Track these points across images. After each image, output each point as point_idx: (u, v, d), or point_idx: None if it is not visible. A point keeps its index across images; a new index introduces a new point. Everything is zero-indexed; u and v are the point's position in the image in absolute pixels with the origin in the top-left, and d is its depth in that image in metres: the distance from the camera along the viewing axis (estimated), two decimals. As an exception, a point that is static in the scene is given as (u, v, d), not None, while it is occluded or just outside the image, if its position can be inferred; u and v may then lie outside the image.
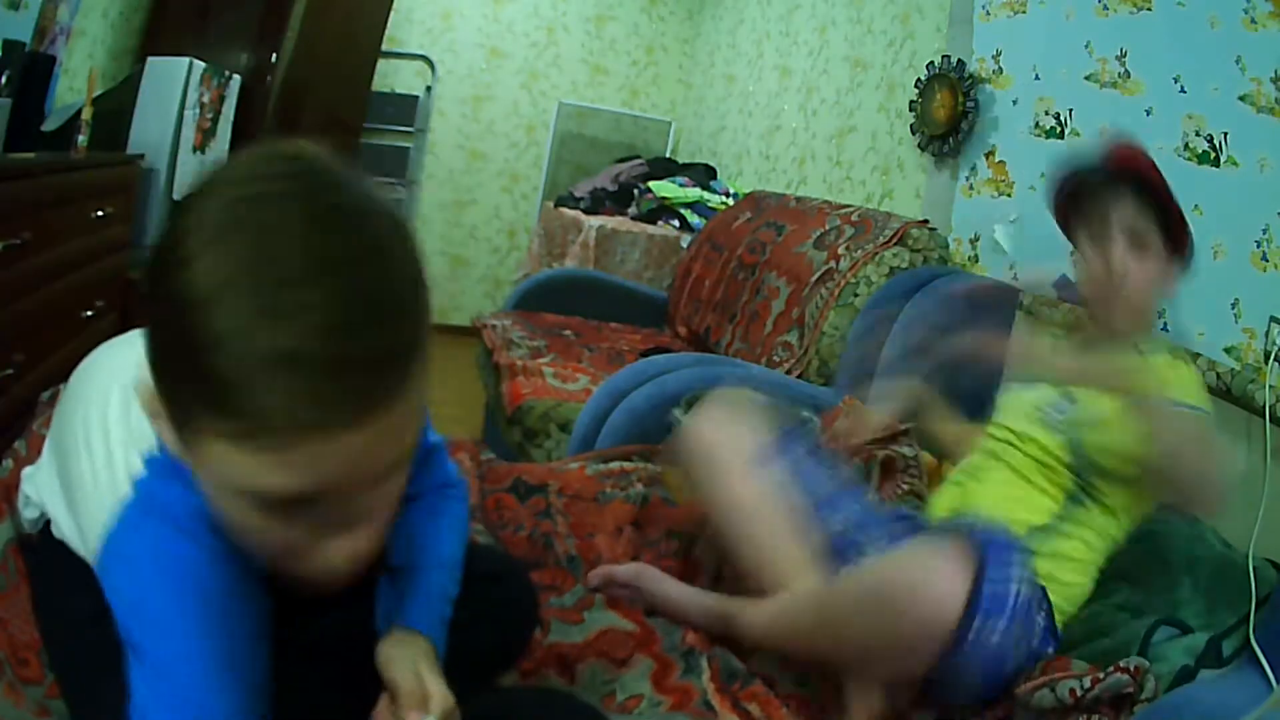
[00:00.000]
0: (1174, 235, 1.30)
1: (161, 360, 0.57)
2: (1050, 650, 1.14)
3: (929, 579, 0.98)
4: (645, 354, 2.44)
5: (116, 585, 0.68)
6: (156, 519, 0.69)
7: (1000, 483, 1.34)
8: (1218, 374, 1.52)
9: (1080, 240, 1.36)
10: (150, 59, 2.19)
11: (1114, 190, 1.30)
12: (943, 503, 1.40)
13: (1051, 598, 1.19)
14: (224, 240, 0.53)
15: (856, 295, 2.18)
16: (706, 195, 3.70)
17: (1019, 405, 1.42)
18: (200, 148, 2.35)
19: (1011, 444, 1.38)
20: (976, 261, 2.32)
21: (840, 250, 2.31)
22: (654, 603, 1.26)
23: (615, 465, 1.65)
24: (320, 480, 0.57)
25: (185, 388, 0.55)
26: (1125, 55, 1.88)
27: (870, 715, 1.07)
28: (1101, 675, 1.01)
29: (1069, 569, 1.24)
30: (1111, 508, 1.27)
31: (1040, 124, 2.13)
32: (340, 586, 0.66)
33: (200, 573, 0.68)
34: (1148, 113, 1.80)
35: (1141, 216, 1.29)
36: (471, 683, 0.89)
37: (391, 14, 3.57)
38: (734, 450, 1.28)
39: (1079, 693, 1.00)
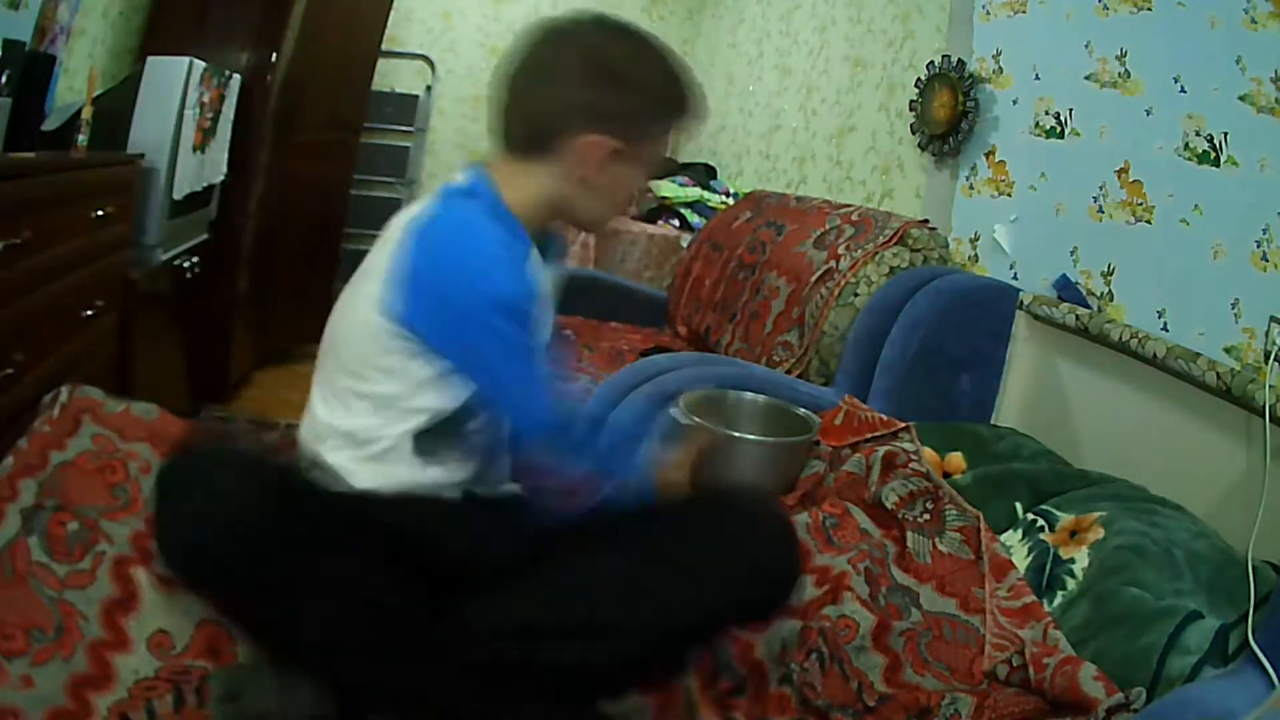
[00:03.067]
0: None
1: (645, 114, 1.08)
2: None
3: None
4: (645, 353, 2.44)
5: (451, 241, 1.02)
6: (479, 204, 1.06)
7: None
8: (1218, 374, 1.52)
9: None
10: (150, 59, 2.19)
11: None
12: None
13: None
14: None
15: (856, 295, 2.18)
16: (706, 195, 3.70)
17: None
18: (200, 147, 2.35)
19: None
20: (976, 261, 2.32)
21: (840, 250, 2.31)
22: None
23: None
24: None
25: (659, 117, 1.10)
26: (1125, 55, 1.88)
27: None
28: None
29: None
30: None
31: (1040, 124, 2.13)
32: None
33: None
34: (1148, 113, 1.80)
35: None
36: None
37: (391, 14, 3.57)
38: None
39: None
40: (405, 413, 1.05)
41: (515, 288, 1.01)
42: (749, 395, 1.83)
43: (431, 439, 1.06)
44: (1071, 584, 1.31)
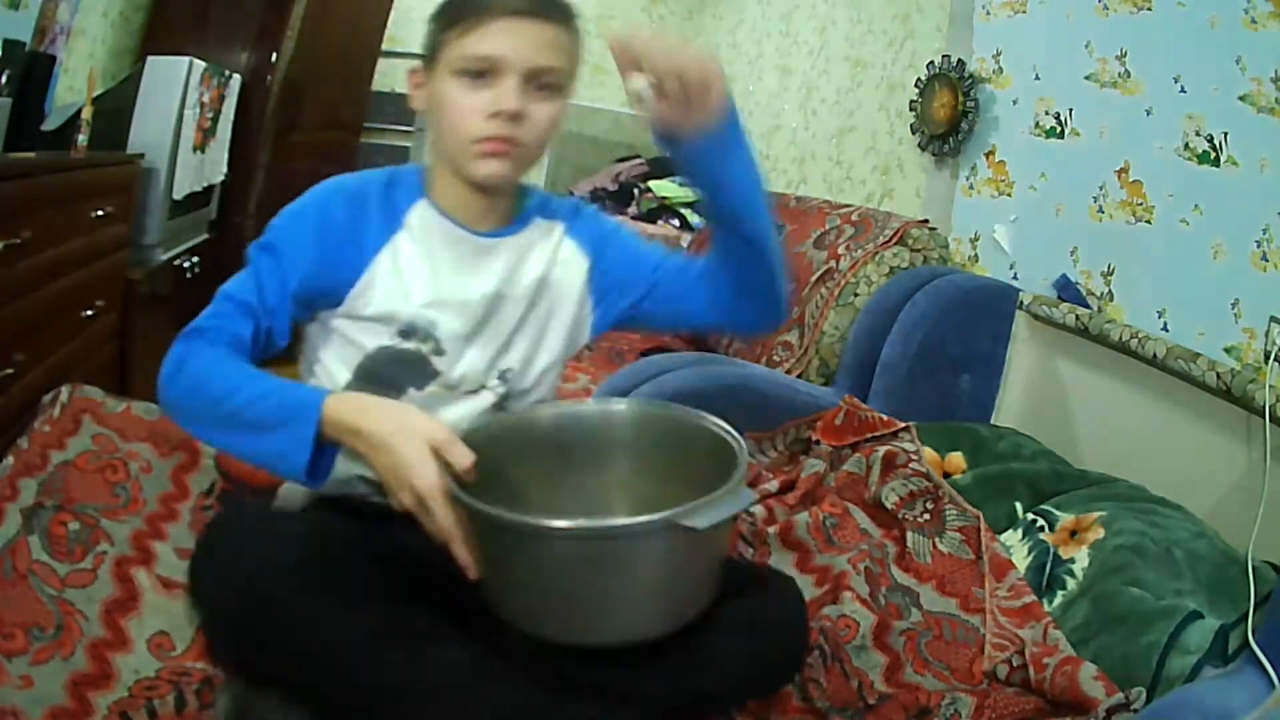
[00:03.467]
0: None
1: (432, 31, 1.00)
2: None
3: None
4: (645, 353, 2.44)
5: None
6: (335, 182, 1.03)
7: None
8: (1218, 374, 1.52)
9: None
10: (150, 58, 2.19)
11: None
12: None
13: None
14: None
15: (856, 295, 2.18)
16: (706, 195, 3.70)
17: None
18: (200, 147, 2.35)
19: None
20: (976, 261, 2.32)
21: (840, 250, 2.31)
22: None
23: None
24: (504, 50, 0.94)
25: (442, 26, 0.98)
26: (1125, 55, 1.88)
27: None
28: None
29: None
30: None
31: (1040, 124, 2.13)
32: (503, 155, 0.97)
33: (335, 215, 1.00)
34: (1148, 113, 1.80)
35: None
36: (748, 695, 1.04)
37: (391, 13, 3.57)
38: None
39: None
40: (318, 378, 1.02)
41: (280, 225, 1.00)
42: (621, 407, 1.07)
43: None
44: (1071, 584, 1.31)
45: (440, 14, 1.00)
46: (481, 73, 0.95)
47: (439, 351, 1.01)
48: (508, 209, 1.07)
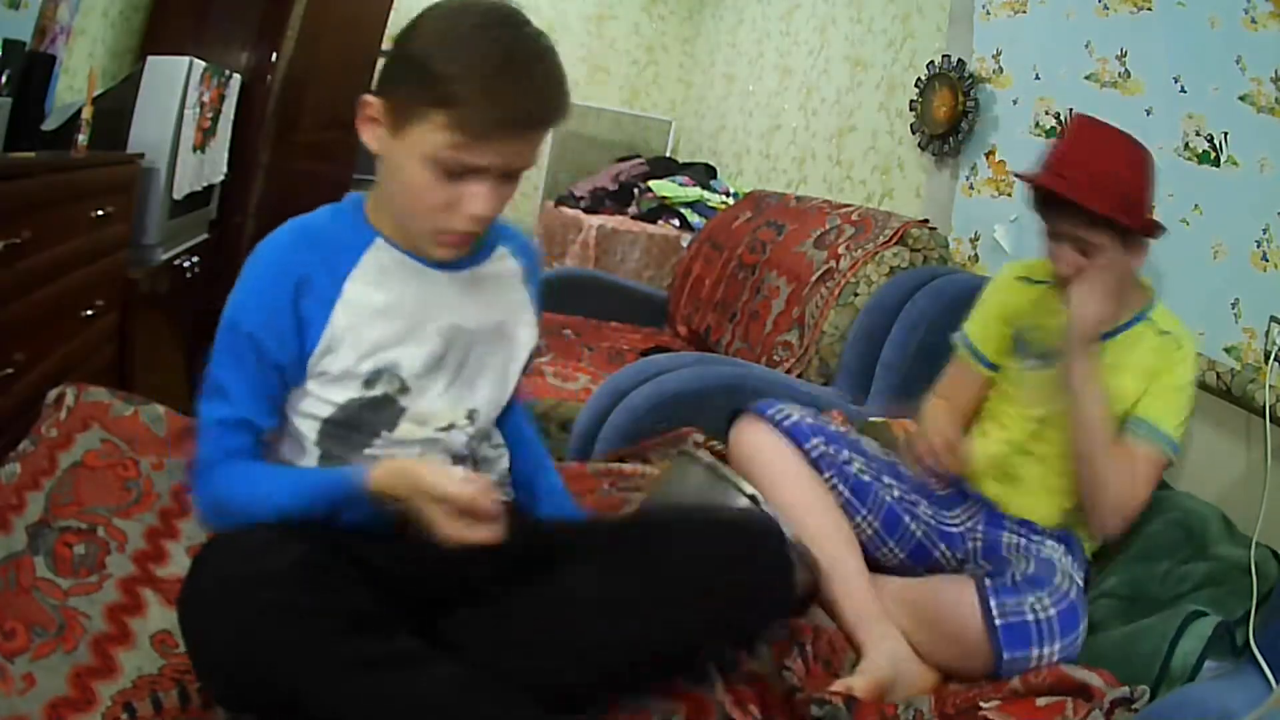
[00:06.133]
0: (1133, 223, 1.31)
1: (400, 84, 0.92)
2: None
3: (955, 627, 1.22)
4: (645, 353, 2.44)
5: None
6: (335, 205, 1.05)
7: (1038, 477, 1.43)
8: (1218, 374, 1.52)
9: (1041, 232, 1.39)
10: (150, 58, 2.19)
11: (1061, 204, 1.32)
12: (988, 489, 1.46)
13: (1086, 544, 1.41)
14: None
15: (856, 295, 2.18)
16: (706, 194, 3.70)
17: (1038, 383, 1.43)
18: (200, 147, 2.35)
19: (1038, 435, 1.42)
20: (976, 261, 2.32)
21: (840, 250, 2.31)
22: None
23: (615, 466, 1.65)
24: (495, 161, 0.91)
25: (430, 100, 0.88)
26: (1125, 55, 1.88)
27: (928, 685, 1.23)
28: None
29: None
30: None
31: (1040, 124, 2.13)
32: (461, 246, 0.98)
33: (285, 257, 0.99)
34: (1148, 113, 1.80)
35: (1084, 226, 1.30)
36: (738, 630, 1.11)
37: (391, 14, 3.57)
38: (782, 455, 1.37)
39: None
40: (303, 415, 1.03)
41: (239, 303, 0.97)
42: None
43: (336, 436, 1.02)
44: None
45: (429, 82, 0.88)
46: (460, 174, 0.92)
47: (404, 389, 1.02)
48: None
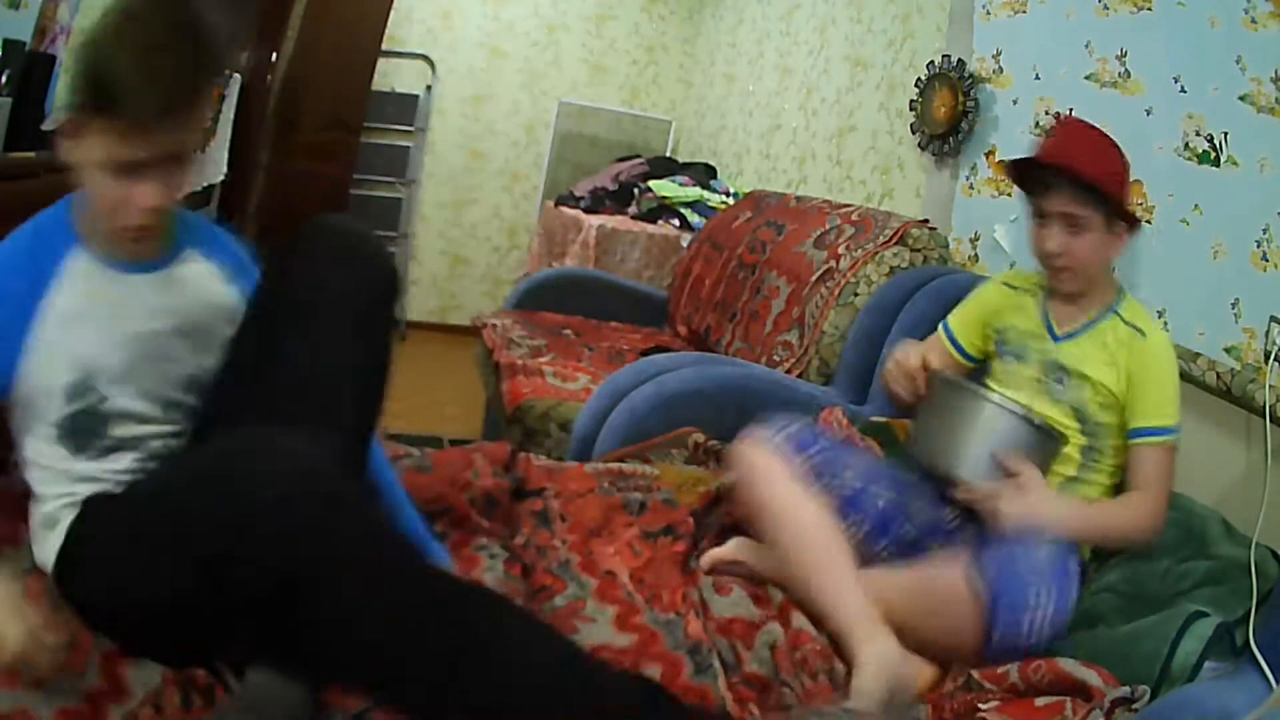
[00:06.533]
0: (1115, 208, 1.38)
1: (72, 104, 0.94)
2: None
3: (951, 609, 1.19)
4: (645, 353, 2.44)
5: None
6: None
7: None
8: (1218, 374, 1.52)
9: (1029, 217, 1.46)
10: (150, 58, 2.19)
11: (1050, 177, 1.39)
12: None
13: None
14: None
15: (856, 295, 2.18)
16: (706, 194, 3.70)
17: (1019, 379, 1.49)
18: (200, 147, 2.35)
19: None
20: (976, 261, 2.32)
21: (840, 250, 2.31)
22: (763, 572, 1.37)
23: (615, 465, 1.65)
24: (146, 154, 0.94)
25: (82, 112, 0.93)
26: (1125, 55, 1.88)
27: (926, 683, 1.22)
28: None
29: None
30: (1119, 448, 1.42)
31: (1040, 124, 2.13)
32: (145, 237, 1.02)
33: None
34: (1148, 113, 1.80)
35: (1076, 200, 1.36)
36: (352, 333, 1.08)
37: (391, 13, 3.57)
38: (780, 476, 1.39)
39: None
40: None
41: None
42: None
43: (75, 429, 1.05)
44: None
45: (81, 92, 0.94)
46: (127, 169, 0.96)
47: (104, 399, 1.04)
48: (161, 240, 1.10)
